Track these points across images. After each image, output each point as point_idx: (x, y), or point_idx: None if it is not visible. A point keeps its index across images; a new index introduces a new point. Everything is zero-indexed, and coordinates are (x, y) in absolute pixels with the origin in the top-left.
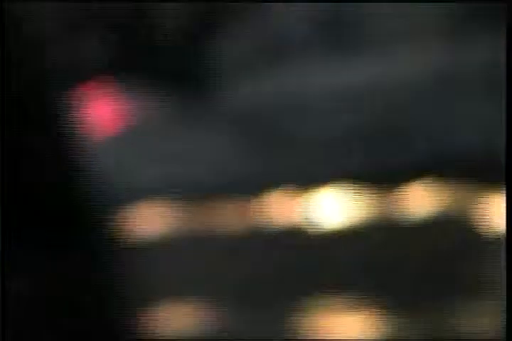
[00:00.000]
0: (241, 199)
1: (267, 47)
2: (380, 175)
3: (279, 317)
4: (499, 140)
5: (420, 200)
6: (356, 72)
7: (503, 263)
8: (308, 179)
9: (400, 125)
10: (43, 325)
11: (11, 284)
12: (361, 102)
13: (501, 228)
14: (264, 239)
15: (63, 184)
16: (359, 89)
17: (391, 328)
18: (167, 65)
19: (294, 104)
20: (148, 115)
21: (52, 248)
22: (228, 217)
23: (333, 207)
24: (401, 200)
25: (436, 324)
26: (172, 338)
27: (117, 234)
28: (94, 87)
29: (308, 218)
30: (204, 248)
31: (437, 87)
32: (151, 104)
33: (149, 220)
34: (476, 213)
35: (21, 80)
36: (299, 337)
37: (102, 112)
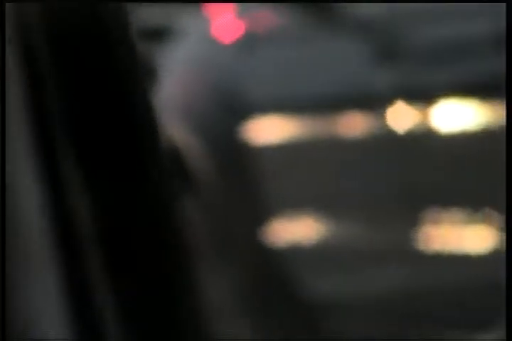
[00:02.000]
0: (365, 110)
1: None
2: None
3: (402, 228)
4: None
5: None
6: None
7: None
8: (432, 89)
9: None
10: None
11: None
12: (484, 15)
13: None
14: (389, 150)
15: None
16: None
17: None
18: None
19: (421, 12)
20: (271, 25)
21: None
22: (352, 129)
23: (457, 118)
24: None
25: None
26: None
27: (242, 148)
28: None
29: (433, 129)
30: (329, 159)
31: None
32: (275, 14)
33: (272, 132)
34: None
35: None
36: (420, 248)
37: (224, 22)
